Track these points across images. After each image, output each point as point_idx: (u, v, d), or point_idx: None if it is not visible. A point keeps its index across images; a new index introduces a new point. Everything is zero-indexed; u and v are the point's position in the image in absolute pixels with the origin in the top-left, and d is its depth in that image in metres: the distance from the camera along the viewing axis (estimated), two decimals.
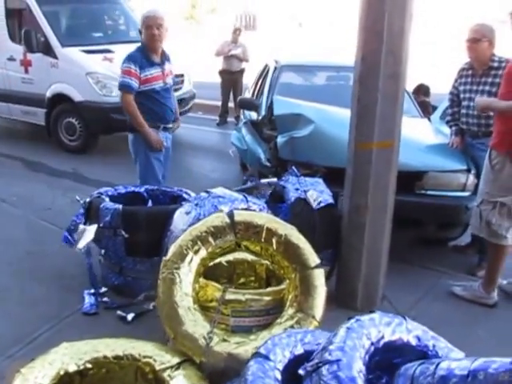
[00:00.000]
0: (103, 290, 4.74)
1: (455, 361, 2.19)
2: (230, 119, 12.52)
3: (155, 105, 5.54)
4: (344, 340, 2.35)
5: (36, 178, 8.11)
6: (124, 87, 5.39)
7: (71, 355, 2.90)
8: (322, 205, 4.58)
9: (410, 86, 7.86)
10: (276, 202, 4.92)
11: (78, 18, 11.01)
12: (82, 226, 4.66)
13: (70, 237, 4.75)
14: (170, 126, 5.80)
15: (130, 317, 4.36)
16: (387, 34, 4.10)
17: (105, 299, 4.67)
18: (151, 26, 5.40)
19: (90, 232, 4.54)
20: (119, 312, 4.42)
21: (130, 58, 5.43)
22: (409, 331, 2.58)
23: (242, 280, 3.78)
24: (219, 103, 13.11)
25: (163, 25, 5.46)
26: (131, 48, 10.57)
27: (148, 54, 5.49)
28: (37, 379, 2.67)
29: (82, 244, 4.53)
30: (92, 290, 4.71)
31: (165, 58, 5.67)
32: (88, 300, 4.61)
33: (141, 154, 5.63)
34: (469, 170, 5.40)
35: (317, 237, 4.45)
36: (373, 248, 4.57)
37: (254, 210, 4.12)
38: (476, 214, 4.76)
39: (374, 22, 4.15)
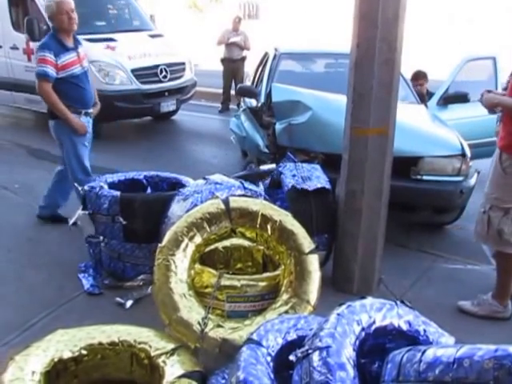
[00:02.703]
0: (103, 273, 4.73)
1: (441, 348, 2.15)
2: (233, 106, 12.44)
3: (76, 90, 5.47)
4: (334, 326, 2.31)
5: (39, 166, 8.04)
6: (41, 76, 5.28)
7: (66, 342, 2.85)
8: (318, 186, 4.53)
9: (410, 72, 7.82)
10: (274, 188, 4.88)
11: (80, 6, 10.77)
12: (80, 212, 4.64)
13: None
14: (91, 110, 5.70)
15: (128, 304, 4.32)
16: (381, 21, 4.04)
17: (105, 281, 4.66)
18: (66, 11, 5.37)
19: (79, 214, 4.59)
20: (118, 298, 4.37)
21: (43, 46, 5.33)
22: (400, 316, 2.54)
23: (239, 265, 3.74)
24: (221, 91, 13.06)
25: (74, 9, 5.44)
26: (134, 37, 10.53)
27: (61, 39, 5.40)
28: (30, 366, 2.62)
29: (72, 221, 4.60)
30: (91, 271, 4.71)
31: (77, 42, 5.63)
32: (87, 282, 4.61)
33: (66, 140, 5.55)
34: (463, 155, 5.36)
35: (313, 222, 4.43)
36: (368, 233, 4.52)
37: (251, 197, 4.08)
38: (483, 220, 4.26)
39: (368, 9, 4.08)
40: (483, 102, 4.33)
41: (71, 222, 4.72)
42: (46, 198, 5.94)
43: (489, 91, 4.36)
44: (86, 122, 5.56)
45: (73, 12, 5.38)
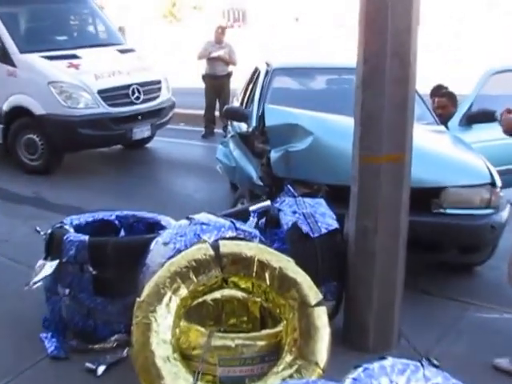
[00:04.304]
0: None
1: None
2: (218, 130, 12.44)
3: None
4: None
5: None
6: None
7: None
8: (323, 231, 4.52)
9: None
10: (271, 228, 4.87)
11: (38, 19, 11.02)
12: (41, 262, 4.61)
13: None
14: None
15: (100, 370, 4.25)
16: (391, 33, 4.07)
17: (72, 342, 4.60)
18: None
19: (48, 267, 4.50)
20: (88, 364, 4.32)
21: None
22: (427, 379, 2.52)
23: (232, 321, 3.76)
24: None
25: None
26: (101, 52, 10.64)
27: None
28: None
29: (35, 279, 4.51)
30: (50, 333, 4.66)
31: None
32: (50, 344, 4.55)
33: None
34: (493, 184, 5.37)
35: (319, 267, 4.42)
36: (385, 278, 4.51)
37: (244, 239, 4.07)
38: None
39: (375, 19, 4.11)
40: (502, 124, 4.34)
41: (36, 279, 4.65)
42: None
43: (509, 111, 4.35)
44: None
45: None
